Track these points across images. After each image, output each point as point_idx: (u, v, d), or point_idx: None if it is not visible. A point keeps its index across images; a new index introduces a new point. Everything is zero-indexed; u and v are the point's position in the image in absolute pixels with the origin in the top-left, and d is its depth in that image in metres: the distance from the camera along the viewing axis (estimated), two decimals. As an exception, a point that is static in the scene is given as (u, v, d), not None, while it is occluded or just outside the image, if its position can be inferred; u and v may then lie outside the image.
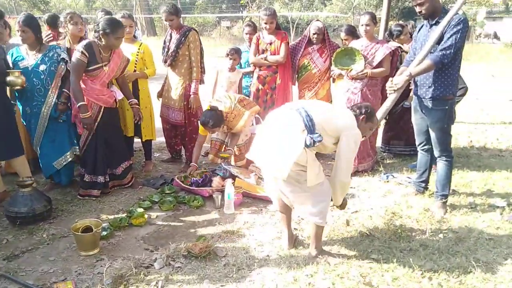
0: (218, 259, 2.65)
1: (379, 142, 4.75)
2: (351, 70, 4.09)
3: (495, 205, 3.39)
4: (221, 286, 2.38)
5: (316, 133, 2.35)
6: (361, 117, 2.60)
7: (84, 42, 3.35)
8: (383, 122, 4.71)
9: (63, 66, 3.47)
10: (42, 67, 3.40)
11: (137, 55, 4.05)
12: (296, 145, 2.36)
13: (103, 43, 3.36)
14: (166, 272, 2.50)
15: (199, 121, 3.91)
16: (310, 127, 2.37)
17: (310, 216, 2.54)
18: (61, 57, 3.46)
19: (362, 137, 2.59)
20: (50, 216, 3.21)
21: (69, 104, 3.57)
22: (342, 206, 2.78)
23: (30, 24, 3.34)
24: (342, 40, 4.68)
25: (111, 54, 3.46)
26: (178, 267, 2.56)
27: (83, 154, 3.56)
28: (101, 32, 3.31)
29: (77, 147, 3.61)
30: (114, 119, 3.68)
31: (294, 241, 2.85)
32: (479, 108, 7.39)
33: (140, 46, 4.10)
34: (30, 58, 3.42)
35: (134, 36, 4.21)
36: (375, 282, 2.39)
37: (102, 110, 3.47)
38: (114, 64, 3.48)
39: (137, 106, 3.75)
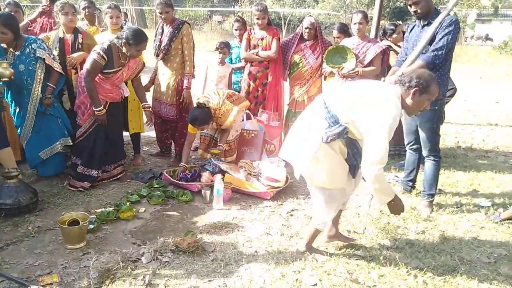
0: (206, 254, 2.65)
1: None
2: (343, 68, 4.11)
3: (480, 205, 3.45)
4: (209, 281, 2.38)
5: (336, 124, 2.24)
6: (412, 91, 2.29)
7: (105, 45, 3.33)
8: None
9: (41, 67, 3.36)
10: (22, 67, 3.32)
11: None
12: (313, 141, 2.31)
13: (124, 50, 3.37)
14: (154, 266, 2.49)
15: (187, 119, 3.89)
16: (330, 120, 2.27)
17: (314, 216, 2.54)
18: (36, 55, 3.33)
19: (420, 111, 2.36)
20: (36, 208, 3.16)
21: (64, 93, 3.54)
22: (393, 209, 2.37)
23: (11, 25, 3.23)
24: (334, 38, 4.70)
25: (128, 60, 3.47)
26: (166, 261, 2.55)
27: (79, 144, 3.54)
28: (124, 41, 3.31)
29: (69, 139, 3.57)
30: (118, 112, 3.70)
31: (333, 236, 2.77)
32: (467, 109, 7.51)
33: None
34: (9, 55, 3.33)
35: (122, 28, 4.14)
36: (361, 279, 2.41)
37: (107, 104, 3.50)
38: (128, 69, 3.52)
39: (149, 110, 3.76)
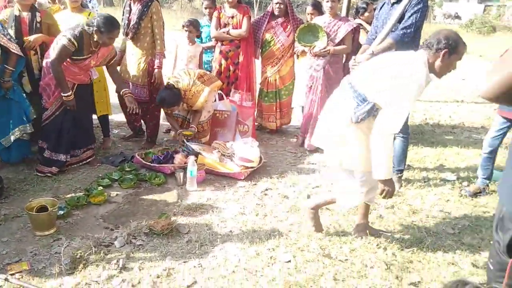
0: (181, 236, 2.64)
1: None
2: (314, 47, 4.10)
3: (446, 179, 3.59)
4: (184, 262, 2.38)
5: (364, 102, 2.25)
6: (442, 53, 2.22)
7: (76, 31, 3.19)
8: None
9: None
10: None
11: None
12: (341, 122, 2.32)
13: (95, 39, 3.25)
14: (127, 250, 2.47)
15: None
16: (358, 98, 2.27)
17: (342, 199, 2.62)
18: None
19: (448, 71, 2.33)
20: (1, 195, 3.04)
21: (24, 75, 3.40)
22: (386, 185, 2.30)
23: None
24: (307, 14, 4.66)
25: (99, 47, 3.35)
26: (140, 244, 2.53)
27: (45, 127, 3.41)
28: (95, 29, 3.19)
29: (27, 126, 3.41)
30: (86, 94, 3.59)
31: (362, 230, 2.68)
32: (434, 86, 7.68)
33: (88, 15, 3.80)
34: None
35: (82, 5, 3.94)
36: (333, 254, 2.48)
37: (75, 86, 3.39)
38: (100, 56, 3.41)
39: (130, 95, 3.67)
